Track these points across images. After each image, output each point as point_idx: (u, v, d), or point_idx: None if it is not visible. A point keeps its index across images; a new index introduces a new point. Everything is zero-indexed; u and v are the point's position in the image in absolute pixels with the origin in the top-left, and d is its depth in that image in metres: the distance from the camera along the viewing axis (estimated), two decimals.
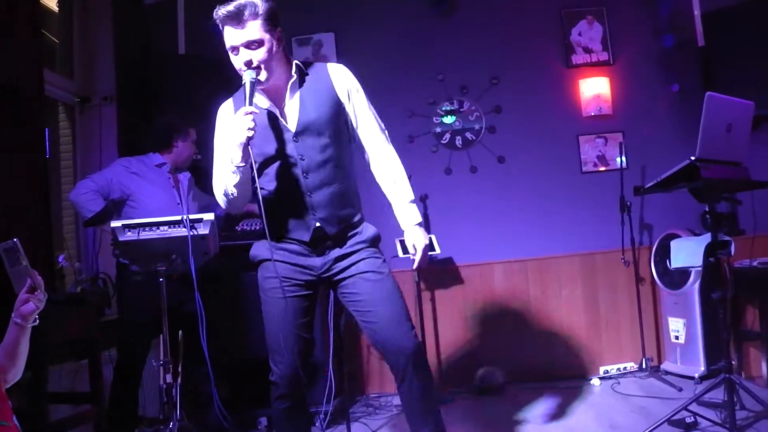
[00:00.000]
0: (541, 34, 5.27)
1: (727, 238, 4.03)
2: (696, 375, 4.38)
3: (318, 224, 2.53)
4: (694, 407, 3.38)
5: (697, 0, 5.03)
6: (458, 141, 5.19)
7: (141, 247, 2.95)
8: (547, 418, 4.04)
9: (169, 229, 2.95)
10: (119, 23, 4.61)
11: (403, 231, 2.63)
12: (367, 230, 2.62)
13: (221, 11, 2.33)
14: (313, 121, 2.49)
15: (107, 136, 4.58)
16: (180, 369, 3.05)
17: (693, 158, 3.16)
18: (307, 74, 2.55)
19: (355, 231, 2.60)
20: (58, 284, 3.99)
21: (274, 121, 2.52)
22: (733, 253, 4.06)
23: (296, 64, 2.53)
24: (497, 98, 5.22)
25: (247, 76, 2.37)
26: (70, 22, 4.71)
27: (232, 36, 2.37)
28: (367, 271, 2.54)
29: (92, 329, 3.50)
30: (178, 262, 3.02)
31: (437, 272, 5.06)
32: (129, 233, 2.92)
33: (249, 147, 2.35)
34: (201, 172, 4.30)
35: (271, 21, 2.38)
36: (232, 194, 2.52)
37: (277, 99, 2.53)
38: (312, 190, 2.51)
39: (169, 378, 2.98)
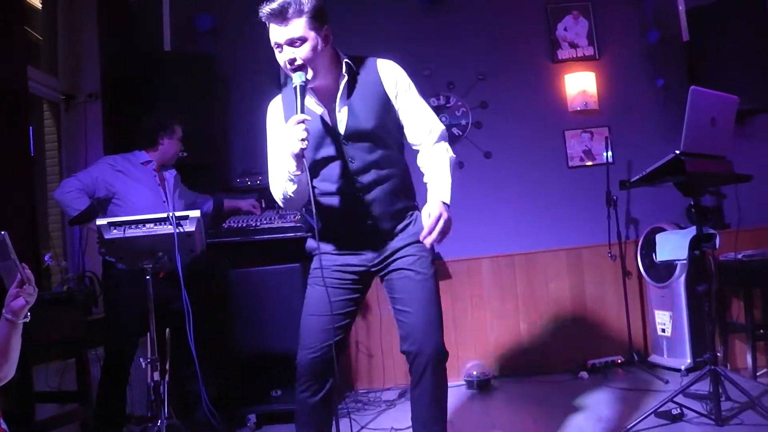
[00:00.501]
0: (527, 29, 5.28)
1: (712, 231, 4.07)
2: (682, 367, 4.42)
3: (370, 222, 2.54)
4: (680, 399, 3.40)
5: None
6: None
7: (127, 244, 2.95)
8: (535, 412, 4.06)
9: (155, 227, 2.95)
10: (104, 20, 4.59)
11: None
12: (419, 224, 2.54)
13: (266, 8, 2.30)
14: (362, 124, 2.47)
15: (93, 134, 4.55)
16: (168, 367, 3.05)
17: (678, 152, 3.19)
18: (358, 73, 2.50)
19: (407, 222, 2.60)
20: (45, 283, 3.97)
21: (324, 124, 2.50)
22: (718, 247, 4.09)
23: (346, 62, 2.48)
24: (483, 94, 5.22)
25: (297, 80, 2.33)
26: (54, 18, 4.67)
27: (276, 33, 2.33)
28: (411, 269, 2.53)
29: (79, 328, 3.49)
30: (165, 260, 3.01)
31: None
32: (115, 231, 2.91)
33: (303, 157, 2.32)
34: (187, 169, 4.29)
35: (317, 18, 2.33)
36: (290, 196, 2.49)
37: (328, 99, 2.50)
38: (363, 190, 2.51)
39: (156, 376, 2.98)
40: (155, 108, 4.22)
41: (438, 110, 5.20)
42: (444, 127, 2.65)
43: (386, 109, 2.52)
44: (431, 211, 2.38)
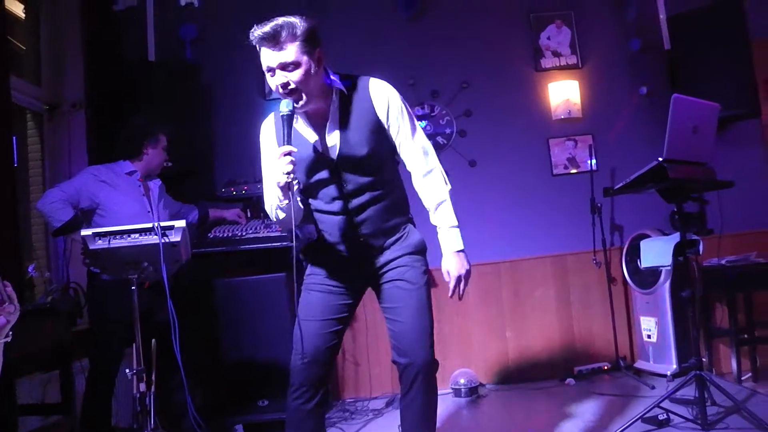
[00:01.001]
0: (510, 38, 5.31)
1: (695, 237, 4.11)
2: (668, 373, 4.44)
3: (362, 239, 2.55)
4: (666, 404, 3.42)
5: (663, 4, 5.13)
6: None
7: (112, 255, 2.93)
8: (522, 420, 4.07)
9: (141, 237, 2.93)
10: (88, 29, 4.56)
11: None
12: (412, 235, 2.62)
13: (257, 32, 2.26)
14: (354, 150, 2.45)
15: (76, 144, 4.53)
16: (153, 378, 3.03)
17: (660, 159, 3.22)
18: (349, 95, 2.47)
19: (399, 236, 2.61)
20: (28, 294, 3.94)
21: (316, 151, 2.49)
22: (701, 252, 4.15)
23: (336, 88, 2.46)
24: (467, 102, 5.24)
25: (284, 108, 2.32)
26: (37, 28, 4.65)
27: (268, 57, 2.29)
28: (402, 280, 2.55)
29: (63, 339, 3.46)
30: (150, 270, 3.00)
31: None
32: (99, 242, 2.89)
33: (289, 189, 2.31)
34: (171, 178, 4.27)
35: (310, 42, 2.31)
36: (282, 218, 2.50)
37: (318, 124, 2.49)
38: (356, 211, 2.51)
39: (142, 387, 2.96)
40: (139, 118, 4.19)
41: (422, 119, 5.22)
42: (432, 147, 2.64)
43: (378, 132, 2.50)
44: (450, 269, 2.53)
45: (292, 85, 2.30)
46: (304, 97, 2.34)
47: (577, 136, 5.21)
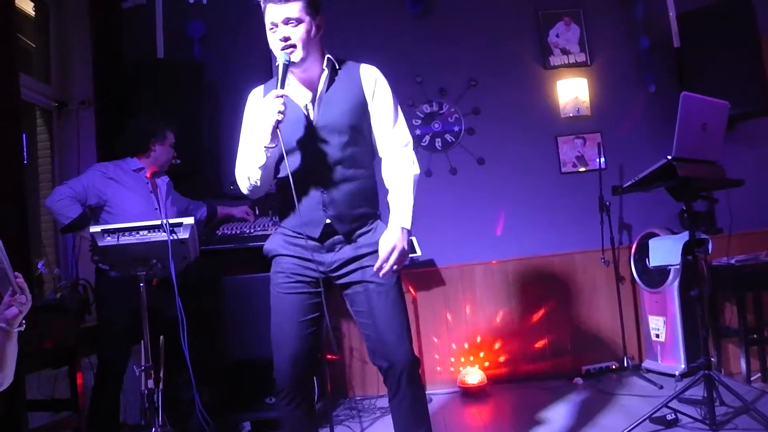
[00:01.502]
0: (519, 35, 5.30)
1: (704, 236, 4.09)
2: (676, 372, 4.42)
3: (329, 221, 2.52)
4: (674, 404, 3.40)
5: (672, 1, 5.10)
6: (438, 143, 5.20)
7: (120, 252, 2.93)
8: (530, 419, 4.05)
9: (149, 234, 2.93)
10: (96, 27, 4.58)
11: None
12: (380, 231, 2.55)
13: None
14: (336, 119, 2.51)
15: (85, 141, 4.55)
16: (161, 374, 3.04)
17: (669, 157, 3.21)
18: (340, 70, 2.58)
19: (367, 229, 2.58)
20: (37, 291, 3.96)
21: (300, 113, 2.54)
22: (710, 251, 4.12)
23: (329, 58, 2.56)
24: (476, 100, 5.24)
25: (281, 58, 2.40)
26: (47, 26, 4.67)
27: (272, 12, 2.41)
28: (371, 282, 2.51)
29: (72, 335, 3.47)
30: (158, 267, 3.00)
31: (418, 274, 5.06)
32: (108, 238, 2.90)
33: (278, 129, 2.37)
34: (179, 175, 4.28)
35: (312, 5, 2.44)
36: (255, 181, 2.53)
37: (307, 90, 2.56)
38: (327, 187, 2.51)
39: (150, 383, 2.96)
40: (147, 115, 4.20)
41: (431, 117, 5.22)
42: (411, 139, 2.66)
43: (361, 109, 2.57)
44: (388, 242, 2.41)
45: (292, 41, 2.40)
46: (302, 52, 2.43)
47: (585, 134, 5.20)
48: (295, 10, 2.39)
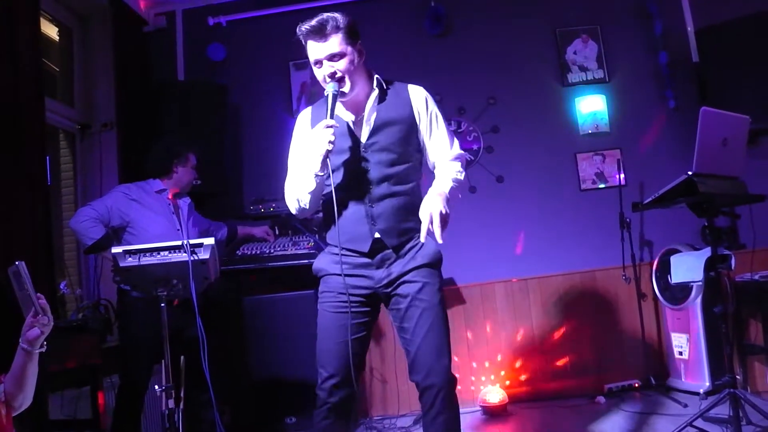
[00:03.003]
0: (537, 53, 5.31)
1: (727, 252, 4.04)
2: (701, 390, 4.36)
3: (378, 235, 2.55)
4: (699, 423, 3.36)
5: (690, 16, 5.09)
6: None
7: (142, 272, 2.95)
8: None
9: (170, 255, 2.95)
10: (119, 51, 4.66)
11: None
12: (428, 245, 2.58)
13: (304, 27, 2.45)
14: (385, 138, 2.57)
15: (108, 163, 4.61)
16: (182, 394, 3.04)
17: (690, 173, 3.18)
18: (388, 90, 2.65)
19: (415, 244, 2.59)
20: (60, 311, 4.00)
21: (349, 132, 2.60)
22: (733, 267, 4.06)
23: (377, 78, 2.62)
24: (494, 118, 5.25)
25: (330, 89, 2.46)
26: (71, 50, 4.76)
27: (315, 50, 2.47)
28: (418, 298, 2.53)
29: (94, 356, 3.50)
30: (179, 287, 3.02)
31: None
32: (130, 259, 2.92)
33: (328, 159, 2.42)
34: (200, 197, 4.32)
35: (352, 34, 2.49)
36: (305, 204, 2.60)
37: (356, 111, 2.62)
38: (374, 202, 2.55)
39: (171, 403, 2.96)
40: (169, 136, 4.25)
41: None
42: (464, 152, 2.76)
43: (410, 127, 2.62)
44: (425, 209, 2.41)
45: (339, 74, 2.47)
46: (349, 83, 2.49)
47: (605, 151, 5.18)
48: (336, 45, 2.44)
